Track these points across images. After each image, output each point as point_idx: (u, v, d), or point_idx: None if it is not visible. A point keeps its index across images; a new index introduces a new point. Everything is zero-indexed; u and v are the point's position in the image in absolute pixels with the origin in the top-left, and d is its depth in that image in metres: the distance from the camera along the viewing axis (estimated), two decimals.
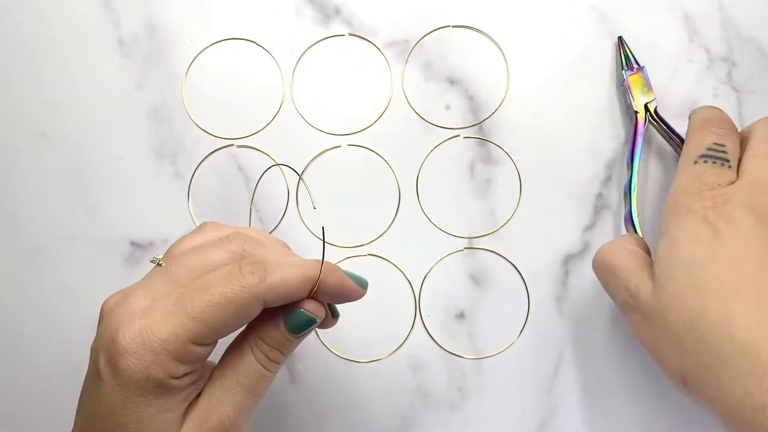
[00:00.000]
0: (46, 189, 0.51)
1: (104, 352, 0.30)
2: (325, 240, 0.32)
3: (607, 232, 0.49)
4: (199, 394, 0.32)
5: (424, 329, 0.49)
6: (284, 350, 0.32)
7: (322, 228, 0.35)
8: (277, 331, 0.32)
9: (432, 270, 0.50)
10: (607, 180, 0.50)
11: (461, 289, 0.49)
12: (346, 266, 0.50)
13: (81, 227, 0.50)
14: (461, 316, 0.49)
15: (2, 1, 0.52)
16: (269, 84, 0.51)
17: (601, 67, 0.50)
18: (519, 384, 0.48)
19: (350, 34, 0.52)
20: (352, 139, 0.51)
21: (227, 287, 0.29)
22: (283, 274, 0.30)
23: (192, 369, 0.30)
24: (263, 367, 0.32)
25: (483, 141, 0.50)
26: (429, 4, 0.51)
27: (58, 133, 0.51)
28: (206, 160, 0.51)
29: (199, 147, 0.51)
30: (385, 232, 0.50)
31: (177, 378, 0.29)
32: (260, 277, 0.29)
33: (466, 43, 0.51)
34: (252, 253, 0.32)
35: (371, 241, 0.50)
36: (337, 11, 0.52)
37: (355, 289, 0.33)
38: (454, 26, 0.51)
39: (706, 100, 0.50)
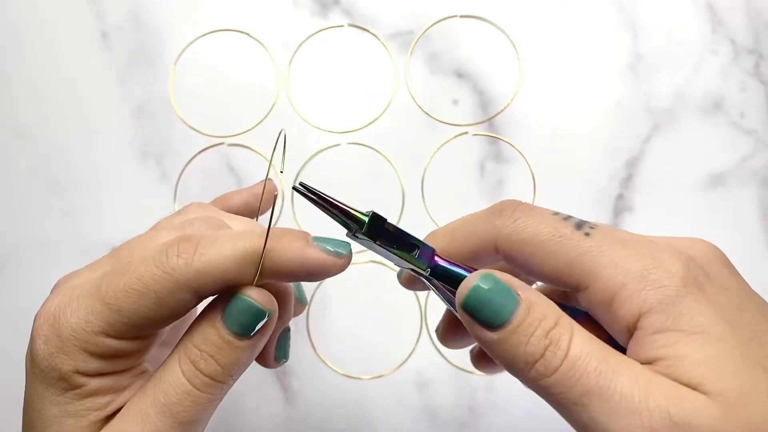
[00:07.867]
0: (18, 192, 0.47)
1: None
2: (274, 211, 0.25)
3: None
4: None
5: (431, 343, 0.45)
6: (221, 358, 0.23)
7: (264, 181, 0.27)
8: (212, 329, 0.23)
9: None
10: (627, 180, 0.46)
11: None
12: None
13: (55, 233, 0.47)
14: None
15: None
16: (263, 78, 0.48)
17: (619, 60, 0.47)
18: (534, 402, 0.44)
19: (350, 25, 0.48)
20: (353, 137, 0.47)
21: (147, 270, 0.23)
22: (217, 252, 0.23)
23: (108, 368, 0.24)
24: (188, 381, 0.23)
25: (493, 138, 0.47)
26: None
27: (34, 131, 0.48)
28: (194, 159, 0.47)
29: (186, 146, 0.47)
30: None
31: (87, 375, 0.24)
32: (187, 259, 0.23)
33: (475, 34, 0.48)
34: (192, 234, 0.25)
35: None
36: (336, 0, 0.48)
37: (326, 259, 0.24)
38: (461, 16, 0.48)
39: (733, 94, 0.46)
